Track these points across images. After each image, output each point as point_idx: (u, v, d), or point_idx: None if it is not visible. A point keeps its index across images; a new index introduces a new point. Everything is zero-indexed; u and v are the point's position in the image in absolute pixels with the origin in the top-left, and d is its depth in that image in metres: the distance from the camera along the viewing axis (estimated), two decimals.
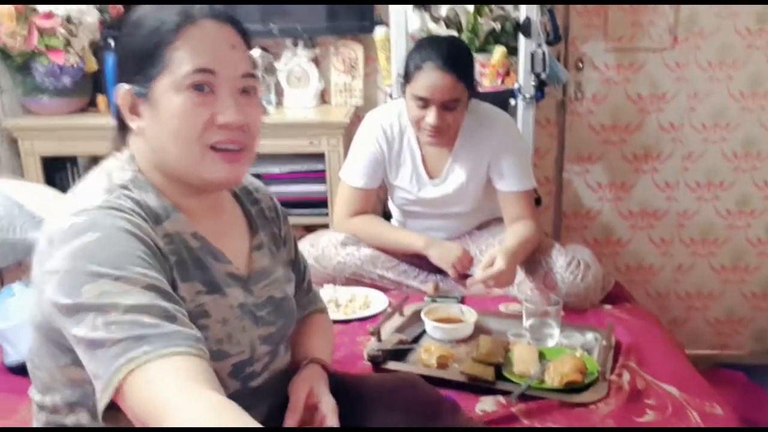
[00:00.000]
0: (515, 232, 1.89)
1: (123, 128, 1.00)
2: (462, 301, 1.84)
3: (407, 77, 1.83)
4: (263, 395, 1.06)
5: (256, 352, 1.02)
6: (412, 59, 1.83)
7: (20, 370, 1.51)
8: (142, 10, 0.97)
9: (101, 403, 0.77)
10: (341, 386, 1.16)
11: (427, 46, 1.82)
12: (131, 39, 0.95)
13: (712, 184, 2.75)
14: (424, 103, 1.80)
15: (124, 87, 0.95)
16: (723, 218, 2.78)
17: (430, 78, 1.77)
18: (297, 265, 1.25)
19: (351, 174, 2.01)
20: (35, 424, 1.03)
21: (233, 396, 0.94)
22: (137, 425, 0.77)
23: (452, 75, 1.77)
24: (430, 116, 1.80)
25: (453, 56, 1.78)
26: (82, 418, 0.95)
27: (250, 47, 1.01)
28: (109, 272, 0.80)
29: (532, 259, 1.88)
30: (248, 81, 0.98)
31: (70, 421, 0.96)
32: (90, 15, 2.36)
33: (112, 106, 2.52)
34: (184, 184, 0.98)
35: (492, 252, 1.77)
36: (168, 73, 0.92)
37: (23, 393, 1.42)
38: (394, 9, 2.20)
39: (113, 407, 0.78)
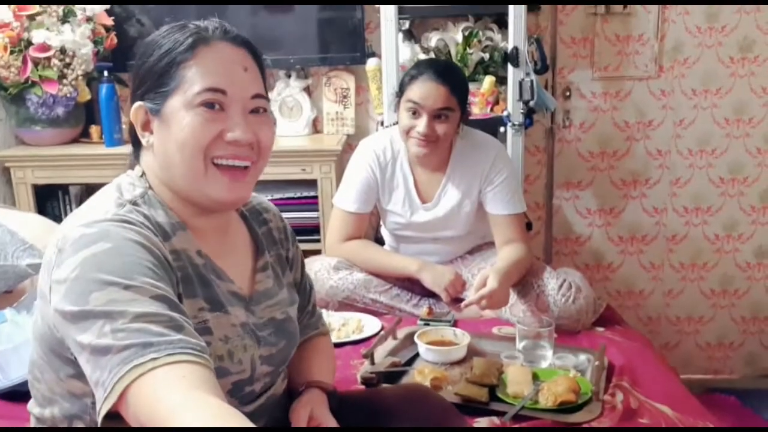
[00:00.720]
0: (506, 254, 1.91)
1: (136, 146, 1.03)
2: (455, 324, 1.84)
3: (402, 89, 1.90)
4: (258, 419, 1.05)
5: (256, 371, 1.03)
6: (409, 74, 1.91)
7: (9, 395, 1.51)
8: (160, 32, 1.00)
9: (102, 411, 0.76)
10: (351, 402, 1.18)
11: (425, 62, 1.96)
12: (147, 58, 0.98)
13: (700, 209, 2.78)
14: (416, 111, 1.85)
15: (138, 104, 0.98)
16: (711, 243, 2.80)
17: (425, 86, 1.85)
18: (303, 286, 1.25)
19: (344, 199, 2.03)
20: None
21: None
22: None
23: (446, 86, 1.85)
24: (421, 124, 1.85)
25: (449, 71, 1.88)
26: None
27: (264, 70, 1.04)
28: (118, 281, 0.81)
29: (523, 282, 1.89)
30: (259, 102, 1.00)
31: None
32: (84, 47, 2.39)
33: (106, 135, 2.54)
34: (191, 203, 1.00)
35: (484, 272, 1.79)
36: (180, 91, 0.95)
37: (10, 417, 1.42)
38: (385, 40, 2.24)
39: (112, 416, 0.78)
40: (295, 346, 1.16)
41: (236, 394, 1.00)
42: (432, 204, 2.00)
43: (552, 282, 1.85)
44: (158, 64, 0.96)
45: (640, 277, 2.86)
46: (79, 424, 0.94)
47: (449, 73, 1.87)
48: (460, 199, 1.98)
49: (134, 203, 0.95)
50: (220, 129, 0.95)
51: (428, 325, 1.82)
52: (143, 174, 1.01)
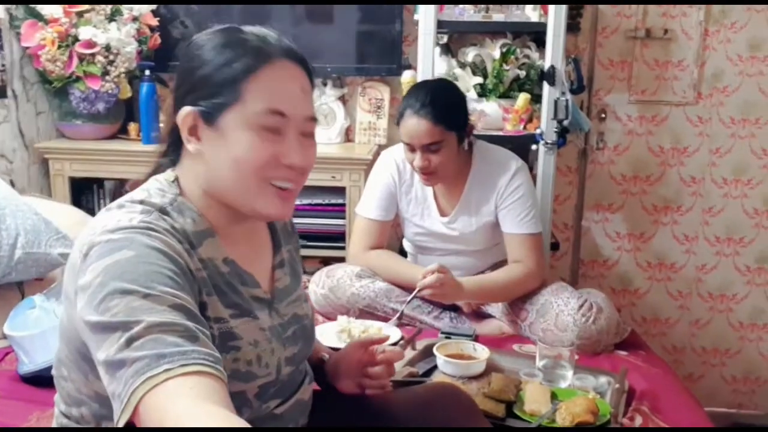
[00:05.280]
0: (499, 272, 1.94)
1: (174, 147, 1.02)
2: (476, 339, 1.83)
3: (397, 122, 1.91)
4: (286, 421, 1.06)
5: (281, 373, 1.03)
6: (401, 106, 1.90)
7: (34, 380, 1.54)
8: (216, 38, 0.98)
9: (120, 423, 0.77)
10: (375, 405, 1.19)
11: (410, 94, 1.90)
12: (202, 65, 0.96)
13: (732, 239, 2.73)
14: (411, 147, 1.87)
15: (188, 109, 0.96)
16: (742, 274, 2.75)
17: (408, 125, 1.84)
18: None
19: (366, 207, 2.05)
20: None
21: (257, 418, 0.96)
22: None
23: (427, 120, 1.82)
24: (416, 159, 1.87)
25: (430, 102, 1.82)
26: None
27: (314, 88, 1.04)
28: (138, 289, 0.81)
29: (543, 301, 1.88)
30: (311, 125, 1.01)
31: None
32: (128, 45, 2.45)
33: (143, 132, 2.59)
34: (229, 209, 0.99)
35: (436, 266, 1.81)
36: (240, 107, 0.94)
37: (35, 402, 1.45)
38: (422, 54, 2.26)
39: (128, 426, 0.78)
40: (312, 345, 1.17)
41: (262, 397, 1.01)
42: (450, 219, 2.00)
43: (572, 302, 1.83)
44: (217, 74, 0.95)
45: (667, 304, 2.81)
46: (109, 425, 0.94)
47: (430, 104, 1.82)
48: (478, 215, 1.98)
49: (162, 210, 0.95)
50: (276, 151, 0.96)
51: (449, 338, 1.81)
52: (175, 179, 1.00)
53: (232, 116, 0.94)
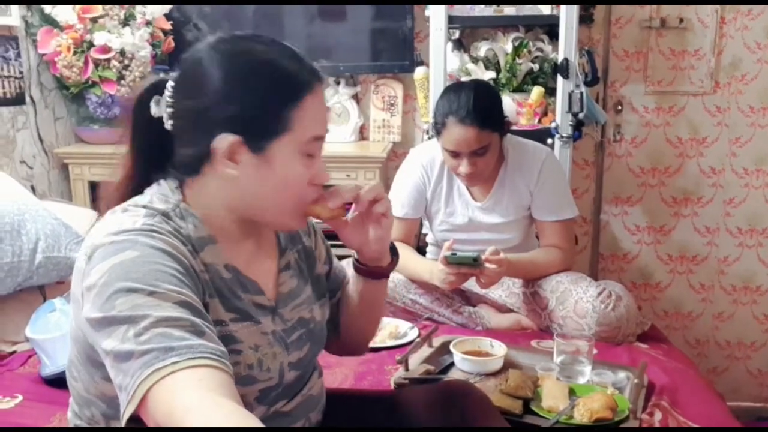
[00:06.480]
0: (538, 253, 1.97)
1: (194, 166, 0.98)
2: (477, 259, 1.76)
3: (436, 130, 1.88)
4: (294, 420, 1.06)
5: (284, 378, 1.03)
6: (438, 112, 1.87)
7: (56, 382, 1.56)
8: (257, 59, 0.96)
9: (125, 415, 0.77)
10: (389, 405, 1.20)
11: (448, 99, 1.86)
12: (247, 89, 0.94)
13: (755, 230, 2.69)
14: (455, 154, 1.85)
15: (231, 138, 0.93)
16: (766, 266, 2.71)
17: (454, 133, 1.82)
18: (333, 275, 1.24)
19: (394, 204, 2.03)
20: None
21: (264, 418, 0.96)
22: None
23: (475, 127, 1.80)
24: (463, 166, 1.85)
25: (474, 107, 1.80)
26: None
27: None
28: (143, 287, 0.82)
29: (562, 289, 1.88)
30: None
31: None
32: (143, 49, 2.47)
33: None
34: (243, 221, 1.00)
35: (497, 249, 1.80)
36: (290, 135, 0.95)
37: (57, 403, 1.47)
38: (434, 50, 2.25)
39: (134, 420, 0.79)
40: (321, 350, 1.16)
41: (263, 400, 1.00)
42: (485, 204, 1.99)
43: (591, 290, 1.83)
44: (265, 101, 0.94)
45: (689, 297, 2.78)
46: (117, 425, 0.96)
47: (475, 110, 1.80)
48: (512, 202, 1.98)
49: (165, 215, 0.95)
50: (312, 174, 0.98)
51: (455, 255, 1.76)
52: (178, 186, 0.99)
53: (281, 144, 0.94)
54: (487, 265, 1.77)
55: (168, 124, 0.97)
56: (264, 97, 0.94)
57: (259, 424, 0.74)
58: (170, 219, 0.95)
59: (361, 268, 1.15)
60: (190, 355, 0.77)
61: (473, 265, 1.76)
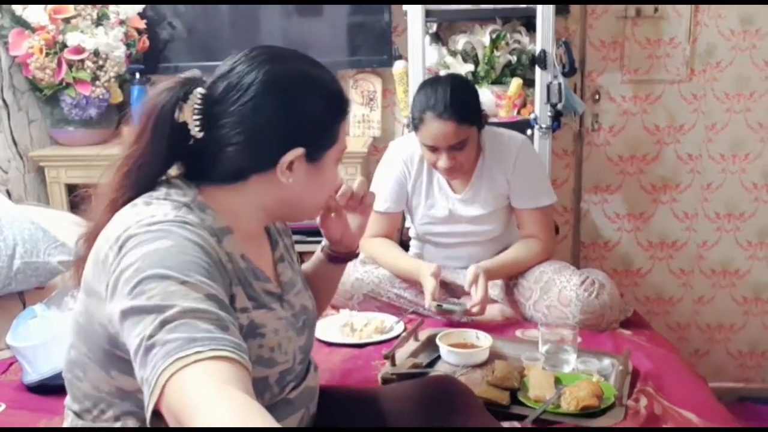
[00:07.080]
0: (518, 249, 1.98)
1: (242, 174, 1.02)
2: (466, 312, 1.83)
3: (414, 125, 1.88)
4: (297, 409, 1.10)
5: (296, 361, 1.09)
6: (415, 107, 1.87)
7: (39, 389, 1.54)
8: (314, 79, 1.06)
9: (149, 406, 0.77)
10: (375, 402, 1.23)
11: (425, 94, 1.85)
12: (308, 106, 1.02)
13: (732, 215, 2.73)
14: (433, 149, 1.85)
15: (299, 151, 1.01)
16: (744, 249, 2.75)
17: (432, 128, 1.82)
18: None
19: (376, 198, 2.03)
20: None
21: (274, 403, 1.01)
22: (173, 425, 0.78)
23: (453, 121, 1.80)
24: (441, 160, 1.86)
25: (451, 102, 1.79)
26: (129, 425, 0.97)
27: None
28: (175, 275, 0.84)
29: (546, 279, 1.90)
30: None
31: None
32: (117, 49, 2.44)
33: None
34: (274, 216, 1.11)
35: (474, 270, 1.84)
36: (336, 146, 1.07)
37: (43, 410, 1.45)
38: (412, 43, 2.25)
39: (159, 416, 0.78)
40: (314, 336, 1.22)
41: (281, 383, 1.06)
42: (464, 196, 1.99)
43: (575, 278, 1.85)
44: (324, 116, 1.04)
45: (669, 283, 2.81)
46: (131, 422, 0.96)
47: (452, 105, 1.80)
48: (491, 192, 1.98)
49: (187, 206, 0.98)
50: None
51: (440, 306, 1.83)
52: (191, 181, 1.03)
53: (331, 154, 1.06)
54: (474, 309, 1.81)
55: (195, 131, 0.98)
56: (324, 115, 1.04)
57: (271, 419, 0.75)
58: (192, 210, 0.98)
59: (335, 255, 1.30)
60: (213, 346, 0.78)
61: (460, 312, 1.84)
